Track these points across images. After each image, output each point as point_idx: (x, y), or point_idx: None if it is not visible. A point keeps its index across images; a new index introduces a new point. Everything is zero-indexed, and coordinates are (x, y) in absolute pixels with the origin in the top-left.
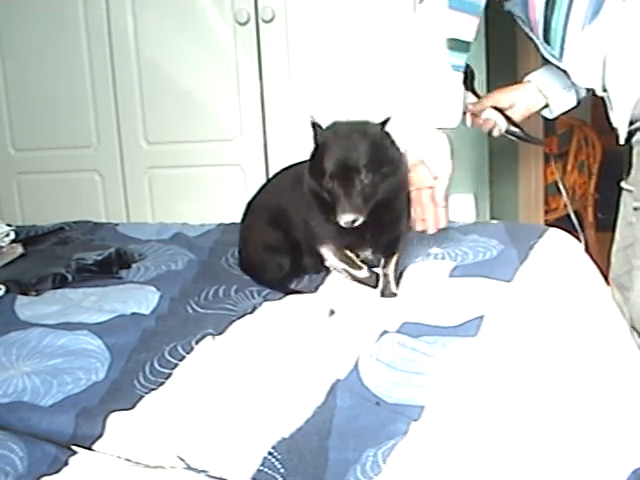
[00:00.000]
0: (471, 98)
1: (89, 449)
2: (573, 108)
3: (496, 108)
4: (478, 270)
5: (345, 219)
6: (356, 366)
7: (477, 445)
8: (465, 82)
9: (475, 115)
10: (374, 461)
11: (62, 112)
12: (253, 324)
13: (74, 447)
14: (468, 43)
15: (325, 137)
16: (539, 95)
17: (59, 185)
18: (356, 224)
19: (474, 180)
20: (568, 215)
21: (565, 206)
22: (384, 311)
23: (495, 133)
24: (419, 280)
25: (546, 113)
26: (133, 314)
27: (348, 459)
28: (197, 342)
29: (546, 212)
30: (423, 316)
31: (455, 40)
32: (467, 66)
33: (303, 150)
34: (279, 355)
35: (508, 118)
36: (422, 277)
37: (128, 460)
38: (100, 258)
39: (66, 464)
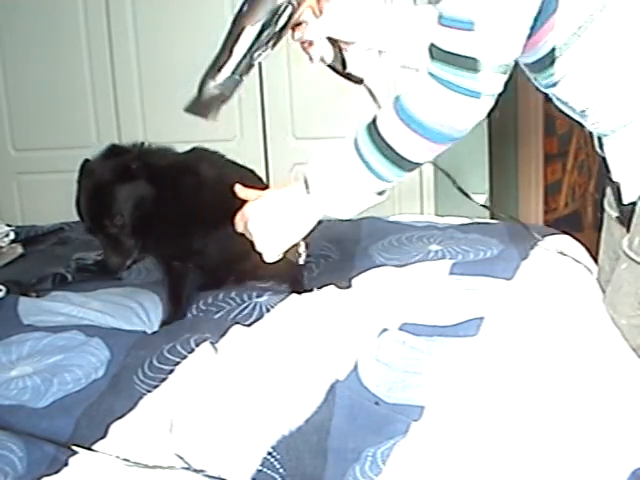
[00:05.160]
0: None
1: (89, 449)
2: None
3: (331, 40)
4: (478, 269)
5: (114, 269)
6: (355, 366)
7: (477, 445)
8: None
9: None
10: (373, 461)
11: (62, 112)
12: (253, 325)
13: (74, 447)
14: (417, 164)
15: (76, 193)
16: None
17: (59, 185)
18: (126, 265)
19: (474, 180)
20: (568, 215)
21: (566, 205)
22: (384, 310)
23: (315, 62)
24: (419, 278)
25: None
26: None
27: (347, 459)
28: (197, 343)
29: (546, 212)
30: (423, 315)
31: (399, 156)
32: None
33: (303, 150)
34: (279, 355)
35: (340, 52)
36: (422, 275)
37: (127, 460)
38: (100, 258)
39: (65, 464)
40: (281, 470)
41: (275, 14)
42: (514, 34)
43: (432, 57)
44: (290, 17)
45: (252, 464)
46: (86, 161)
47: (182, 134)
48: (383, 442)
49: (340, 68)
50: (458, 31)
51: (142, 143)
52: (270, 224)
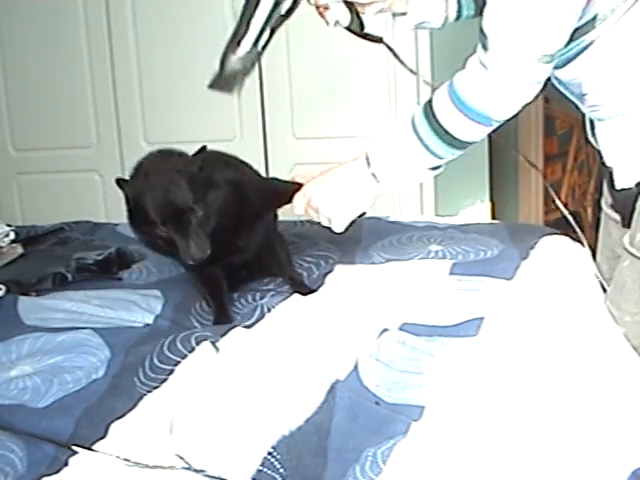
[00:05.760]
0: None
1: (89, 449)
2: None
3: (347, 3)
4: (479, 269)
5: (195, 260)
6: (355, 366)
7: (477, 445)
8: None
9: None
10: (373, 461)
11: (62, 112)
12: (253, 325)
13: (74, 447)
14: (469, 143)
15: (138, 187)
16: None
17: (59, 185)
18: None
19: (474, 180)
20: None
21: (566, 205)
22: (384, 310)
23: (331, 25)
24: (419, 278)
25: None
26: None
27: (347, 459)
28: (197, 342)
29: (546, 212)
30: (423, 315)
31: (453, 137)
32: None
33: (303, 150)
34: (279, 355)
35: (357, 14)
36: (422, 275)
37: (127, 460)
38: (100, 258)
39: (66, 464)
40: (281, 470)
41: None
42: (558, 27)
43: (481, 43)
44: None
45: (252, 464)
46: (118, 180)
47: (182, 134)
48: (383, 442)
49: (358, 30)
50: (503, 20)
51: (204, 147)
52: (336, 198)
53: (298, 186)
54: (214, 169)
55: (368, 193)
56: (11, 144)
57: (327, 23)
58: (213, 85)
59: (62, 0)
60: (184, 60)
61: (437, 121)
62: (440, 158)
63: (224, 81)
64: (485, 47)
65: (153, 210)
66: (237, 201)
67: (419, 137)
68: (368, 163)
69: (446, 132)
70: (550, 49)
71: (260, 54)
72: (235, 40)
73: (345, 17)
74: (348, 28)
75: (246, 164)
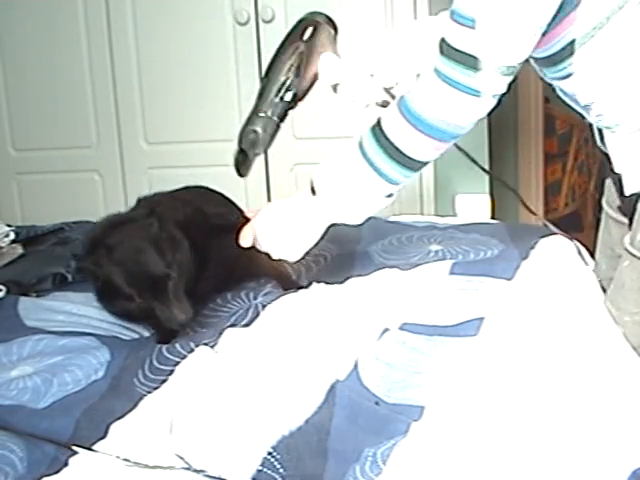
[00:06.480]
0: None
1: (89, 449)
2: None
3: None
4: (479, 268)
5: (182, 323)
6: (355, 366)
7: (477, 445)
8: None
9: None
10: (373, 461)
11: (62, 112)
12: (252, 324)
13: (74, 447)
14: (424, 163)
15: (103, 263)
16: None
17: (59, 185)
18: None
19: (474, 180)
20: (568, 215)
21: (566, 205)
22: (384, 310)
23: (371, 107)
24: (419, 278)
25: None
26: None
27: (347, 459)
28: (196, 344)
29: (546, 212)
30: (423, 315)
31: (406, 156)
32: None
33: (303, 150)
34: (279, 355)
35: (389, 93)
36: (422, 275)
37: (127, 460)
38: None
39: (66, 464)
40: (281, 470)
41: (289, 70)
42: (521, 37)
43: (440, 51)
44: (301, 66)
45: (252, 464)
46: (79, 258)
47: (182, 134)
48: (383, 442)
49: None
50: (463, 28)
51: (153, 210)
52: (282, 233)
53: (246, 221)
54: (167, 220)
55: (316, 224)
56: (11, 144)
57: (367, 105)
58: (238, 167)
59: (62, 0)
60: (184, 60)
61: (388, 140)
62: (392, 182)
63: (243, 160)
64: (444, 53)
65: (127, 284)
66: (194, 247)
67: (369, 160)
68: (313, 192)
69: (398, 151)
70: (511, 61)
71: (279, 123)
72: (255, 113)
73: (368, 93)
74: (384, 105)
75: (196, 192)
